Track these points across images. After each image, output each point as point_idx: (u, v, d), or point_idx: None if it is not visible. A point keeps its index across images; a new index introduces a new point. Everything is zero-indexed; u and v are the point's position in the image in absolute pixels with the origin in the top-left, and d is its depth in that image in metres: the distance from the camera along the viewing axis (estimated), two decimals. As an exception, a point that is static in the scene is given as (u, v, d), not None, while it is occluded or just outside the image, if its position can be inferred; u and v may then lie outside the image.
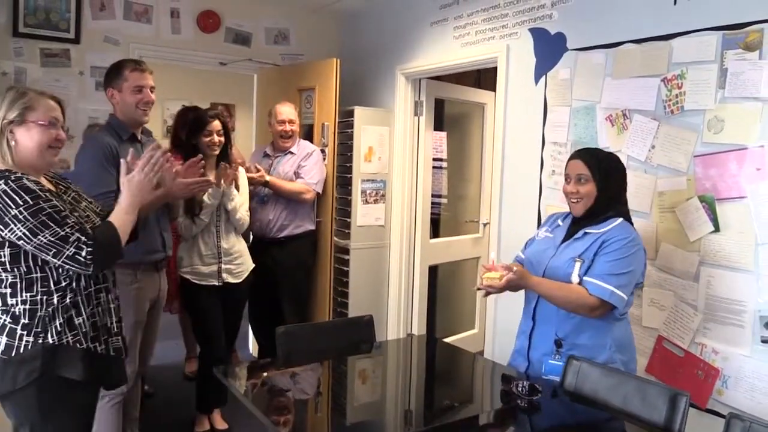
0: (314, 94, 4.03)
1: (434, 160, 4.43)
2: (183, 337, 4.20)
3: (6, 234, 1.73)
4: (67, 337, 1.83)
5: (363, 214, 4.11)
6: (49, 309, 1.81)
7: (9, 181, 1.74)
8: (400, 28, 4.11)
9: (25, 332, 1.79)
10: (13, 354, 1.77)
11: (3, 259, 1.76)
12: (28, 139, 1.82)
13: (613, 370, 2.03)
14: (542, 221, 3.13)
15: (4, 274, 1.79)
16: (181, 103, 7.03)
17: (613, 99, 2.79)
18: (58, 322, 1.81)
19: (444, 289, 4.74)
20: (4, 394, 1.81)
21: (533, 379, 2.14)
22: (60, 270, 1.82)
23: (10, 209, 1.71)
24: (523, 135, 3.27)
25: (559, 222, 2.31)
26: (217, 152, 3.14)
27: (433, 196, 4.40)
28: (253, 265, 3.33)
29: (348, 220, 4.09)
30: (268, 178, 3.54)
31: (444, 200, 4.72)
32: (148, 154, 2.01)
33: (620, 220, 2.13)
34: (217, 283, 3.13)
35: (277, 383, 2.29)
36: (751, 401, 2.29)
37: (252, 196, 3.56)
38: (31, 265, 1.79)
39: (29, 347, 1.78)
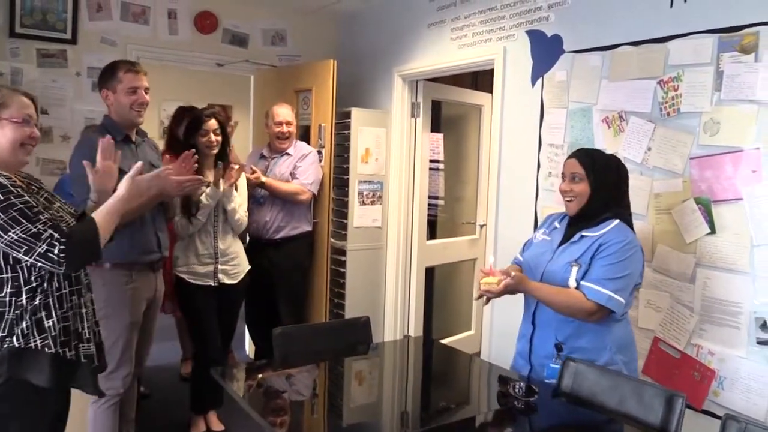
0: (311, 96, 4.03)
1: (431, 161, 4.43)
2: (179, 339, 4.19)
3: None
4: (35, 341, 1.75)
5: (360, 216, 4.11)
6: (17, 311, 1.74)
7: None
8: (397, 29, 4.11)
9: None
10: None
11: None
12: (0, 136, 1.78)
13: (610, 371, 2.03)
14: (539, 222, 3.14)
15: None
16: (178, 104, 7.04)
17: (609, 101, 2.80)
18: (25, 324, 1.74)
19: (441, 291, 4.75)
20: None
21: (530, 381, 2.14)
22: (32, 269, 1.75)
23: None
24: (519, 137, 3.27)
25: (556, 224, 2.30)
26: (215, 152, 3.14)
27: (429, 197, 4.41)
28: (249, 267, 3.33)
29: (345, 221, 4.09)
30: (264, 179, 3.54)
31: (441, 202, 4.72)
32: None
33: (617, 221, 2.12)
34: (212, 284, 3.13)
35: (273, 384, 2.29)
36: (746, 402, 2.30)
37: (248, 197, 3.56)
38: (2, 264, 1.73)
39: None
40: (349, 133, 4.03)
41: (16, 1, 3.53)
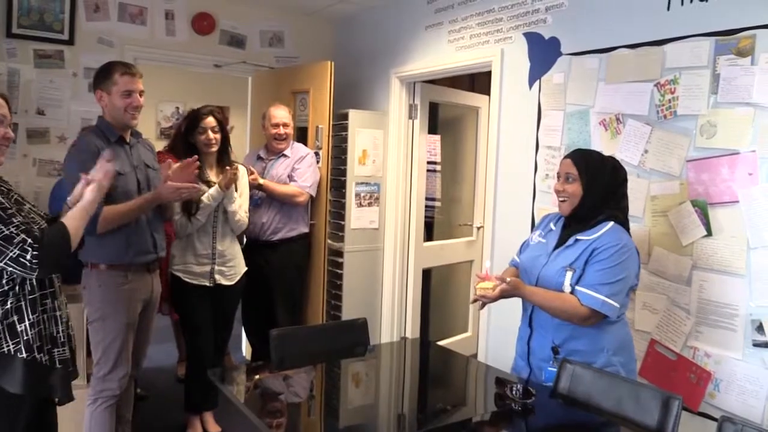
0: (308, 97, 4.03)
1: (428, 163, 4.44)
2: (175, 340, 4.18)
3: None
4: (8, 345, 1.72)
5: (357, 217, 4.11)
6: None
7: None
8: (394, 31, 4.12)
9: None
10: None
11: None
12: None
13: (606, 373, 2.03)
14: (535, 225, 3.15)
15: None
16: (174, 105, 7.05)
17: (606, 103, 2.81)
18: None
19: (437, 293, 4.75)
20: None
21: (527, 383, 2.14)
22: (2, 273, 1.72)
23: None
24: (517, 139, 3.28)
25: (552, 226, 2.30)
26: (214, 149, 3.14)
27: (426, 199, 4.41)
28: (246, 269, 3.33)
29: (342, 222, 4.09)
30: (261, 181, 3.54)
31: (438, 203, 4.73)
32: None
33: (611, 224, 2.11)
34: (208, 284, 3.13)
35: (270, 386, 2.28)
36: (742, 404, 2.30)
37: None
38: None
39: None
40: (346, 134, 4.03)
41: (13, 2, 3.52)
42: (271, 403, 2.14)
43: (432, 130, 4.48)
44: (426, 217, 4.42)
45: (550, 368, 2.17)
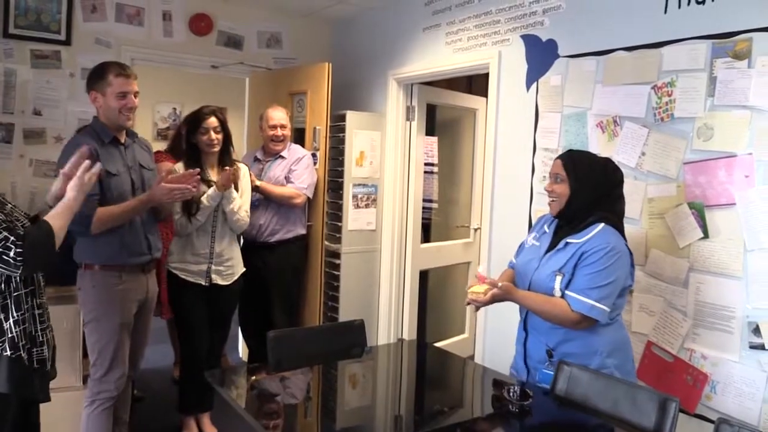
0: (306, 98, 4.03)
1: (425, 165, 4.44)
2: (171, 342, 4.17)
3: None
4: None
5: (354, 219, 4.11)
6: None
7: None
8: (392, 33, 4.12)
9: None
10: None
11: None
12: None
13: (604, 375, 2.03)
14: (532, 227, 3.15)
15: None
16: (171, 106, 7.03)
17: (603, 106, 2.81)
18: None
19: (435, 294, 4.75)
20: None
21: (525, 384, 2.14)
22: None
23: None
24: (514, 141, 3.28)
25: (546, 228, 2.30)
26: (216, 149, 3.13)
27: (424, 201, 4.41)
28: (244, 269, 3.32)
29: (339, 224, 4.09)
30: (258, 182, 3.53)
31: (435, 205, 4.73)
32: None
33: (601, 226, 2.10)
34: (204, 283, 3.12)
35: (267, 388, 2.28)
36: (739, 407, 2.31)
37: None
38: None
39: None
40: (343, 136, 4.02)
41: (10, 2, 3.51)
42: (267, 405, 2.14)
43: (429, 131, 4.49)
44: (423, 218, 4.42)
45: (544, 370, 2.17)
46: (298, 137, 4.08)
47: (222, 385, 2.25)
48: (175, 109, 6.76)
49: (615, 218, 2.14)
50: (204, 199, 3.02)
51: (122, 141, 2.65)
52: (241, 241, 3.84)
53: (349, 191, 4.06)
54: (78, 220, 2.34)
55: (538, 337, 2.21)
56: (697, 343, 2.45)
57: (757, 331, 2.27)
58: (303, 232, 3.79)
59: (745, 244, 2.31)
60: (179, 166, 3.11)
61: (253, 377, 2.41)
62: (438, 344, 3.85)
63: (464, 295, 2.28)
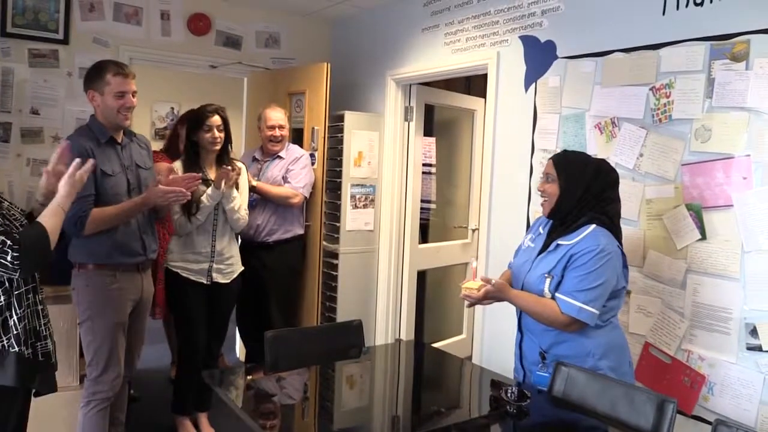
0: (304, 98, 4.02)
1: (423, 165, 4.44)
2: (168, 342, 4.16)
3: None
4: (1, 341, 1.79)
5: (352, 219, 4.10)
6: None
7: None
8: (391, 33, 4.12)
9: None
10: None
11: None
12: None
13: (601, 376, 2.03)
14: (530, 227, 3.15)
15: None
16: (169, 106, 7.03)
17: (602, 107, 2.82)
18: None
19: (432, 295, 4.75)
20: None
21: (522, 385, 2.14)
22: None
23: None
24: (512, 141, 3.28)
25: (540, 229, 2.30)
26: (218, 148, 3.14)
27: (422, 201, 4.41)
28: (243, 268, 3.32)
29: (337, 224, 4.09)
30: (254, 183, 3.53)
31: (433, 206, 4.73)
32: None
33: (592, 227, 2.09)
34: (205, 282, 3.11)
35: (264, 388, 2.28)
36: (736, 408, 2.31)
37: None
38: None
39: None
40: (342, 136, 4.02)
41: (7, 1, 3.50)
42: (265, 405, 2.14)
43: (428, 132, 4.49)
44: (421, 219, 4.43)
45: (538, 372, 2.18)
46: (297, 137, 4.08)
47: (219, 385, 2.25)
48: (173, 108, 6.76)
49: (608, 220, 2.13)
50: (204, 198, 3.02)
51: (119, 141, 2.64)
52: (239, 240, 3.84)
53: (347, 191, 4.06)
54: (72, 221, 2.34)
55: (532, 338, 2.22)
56: (695, 345, 2.45)
57: (754, 332, 2.28)
58: (301, 232, 3.79)
59: (742, 246, 2.31)
60: (177, 165, 3.10)
61: (250, 377, 2.41)
62: (436, 345, 3.85)
63: (465, 300, 2.27)
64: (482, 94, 3.68)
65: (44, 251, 1.82)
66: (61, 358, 2.77)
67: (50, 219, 1.86)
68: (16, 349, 1.81)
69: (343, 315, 4.06)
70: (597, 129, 2.84)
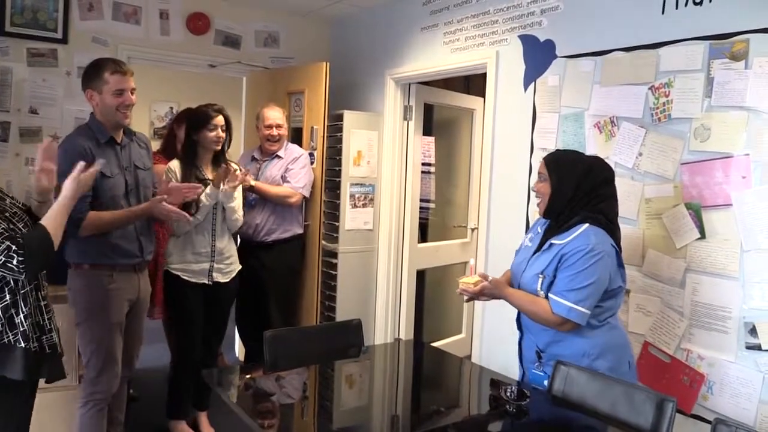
0: (303, 98, 4.02)
1: (423, 164, 4.44)
2: (167, 342, 4.15)
3: None
4: (8, 337, 1.87)
5: (351, 218, 4.10)
6: None
7: None
8: (390, 32, 4.12)
9: None
10: None
11: None
12: None
13: (601, 375, 2.03)
14: (529, 227, 3.15)
15: None
16: (168, 105, 7.02)
17: (601, 106, 2.82)
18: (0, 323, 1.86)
19: (432, 294, 4.75)
20: None
21: (522, 384, 2.15)
22: None
23: None
24: (511, 141, 3.28)
25: (539, 229, 2.29)
26: (219, 147, 3.14)
27: (421, 200, 4.41)
28: (240, 267, 3.32)
29: (336, 223, 4.09)
30: (253, 182, 3.52)
31: (432, 205, 4.73)
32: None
33: (585, 226, 2.08)
34: (207, 282, 3.11)
35: (263, 387, 2.28)
36: (735, 407, 2.31)
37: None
38: None
39: None
40: (341, 135, 4.02)
41: (6, 0, 3.50)
42: (264, 404, 2.14)
43: (427, 131, 4.49)
44: (420, 218, 4.43)
45: (533, 371, 2.18)
46: (296, 136, 4.08)
47: (219, 385, 2.25)
48: (172, 108, 6.75)
49: (603, 218, 2.11)
50: (203, 197, 3.02)
51: (119, 140, 2.61)
52: (238, 240, 3.84)
53: (346, 191, 4.06)
54: (68, 222, 2.33)
55: (530, 336, 2.23)
56: (694, 344, 2.45)
57: (753, 331, 2.28)
58: (300, 231, 3.79)
59: (741, 245, 2.31)
60: (175, 165, 3.09)
61: (248, 375, 2.41)
62: (435, 344, 3.85)
63: (461, 295, 2.28)
64: (481, 93, 3.68)
65: (48, 254, 1.89)
66: (61, 358, 2.79)
67: (53, 221, 1.92)
68: (23, 345, 1.88)
69: (342, 314, 4.05)
70: (596, 128, 2.84)
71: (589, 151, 2.80)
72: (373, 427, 2.08)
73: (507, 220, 3.30)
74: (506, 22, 3.30)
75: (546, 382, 2.10)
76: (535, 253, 2.20)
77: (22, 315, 1.90)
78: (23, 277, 1.84)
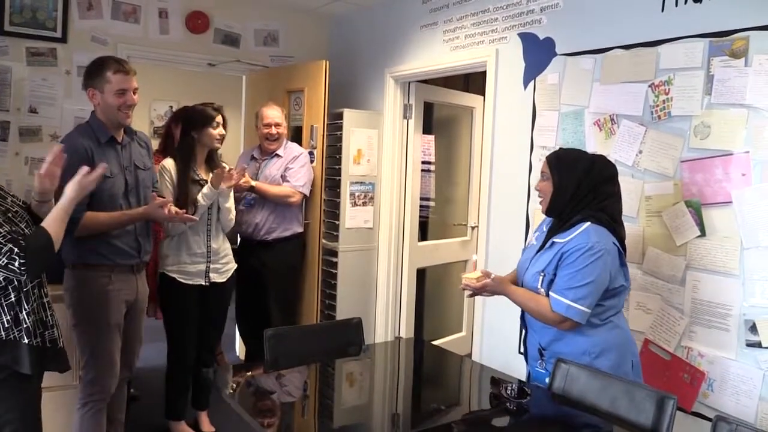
0: (303, 96, 4.02)
1: (423, 163, 4.44)
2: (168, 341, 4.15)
3: None
4: (13, 333, 1.93)
5: (351, 217, 4.10)
6: None
7: None
8: (389, 31, 4.11)
9: None
10: None
11: None
12: None
13: (601, 373, 2.03)
14: (531, 224, 3.16)
15: None
16: (168, 104, 7.02)
17: (601, 104, 2.82)
18: (5, 319, 1.92)
19: (432, 292, 4.75)
20: None
21: (522, 382, 2.15)
22: None
23: None
24: (511, 139, 3.28)
25: (544, 227, 2.30)
26: (220, 145, 3.15)
27: (421, 199, 4.41)
28: (236, 265, 3.31)
29: (336, 222, 4.09)
30: (253, 183, 3.52)
31: (432, 203, 4.73)
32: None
33: (586, 225, 2.07)
34: (204, 283, 3.11)
35: (264, 386, 2.28)
36: (736, 404, 2.31)
37: (239, 199, 3.55)
38: None
39: None
40: (341, 134, 4.02)
41: (5, -1, 3.50)
42: (264, 403, 2.14)
43: (426, 129, 4.48)
44: (420, 216, 4.42)
45: (537, 368, 2.19)
46: (296, 135, 4.08)
47: (219, 383, 2.25)
48: (171, 107, 6.74)
49: (605, 216, 2.10)
50: (199, 197, 3.01)
51: (119, 140, 2.59)
52: (238, 239, 3.84)
53: (346, 189, 4.06)
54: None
55: (533, 334, 2.24)
56: (694, 341, 2.45)
57: (753, 328, 2.28)
58: (300, 230, 3.78)
59: (741, 242, 2.32)
60: (169, 164, 3.06)
61: (249, 373, 2.41)
62: (435, 342, 3.86)
63: (461, 294, 2.29)
64: (481, 91, 3.68)
65: (49, 256, 1.93)
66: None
67: (54, 223, 1.96)
68: (27, 341, 1.94)
69: (342, 313, 4.06)
70: (596, 126, 2.83)
71: (589, 149, 2.79)
72: (373, 425, 2.08)
73: (507, 217, 3.30)
74: (506, 20, 3.30)
75: (548, 380, 2.11)
76: (538, 251, 2.20)
77: (25, 312, 1.95)
78: (24, 278, 1.88)
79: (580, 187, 2.11)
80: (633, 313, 2.65)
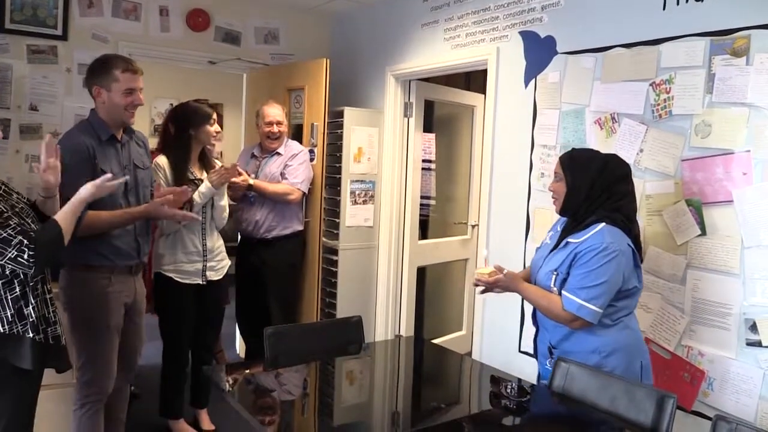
0: (304, 94, 4.02)
1: (423, 161, 4.43)
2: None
3: None
4: (17, 327, 1.93)
5: (352, 215, 4.10)
6: (2, 301, 1.92)
7: None
8: (390, 29, 4.11)
9: None
10: None
11: None
12: None
13: (601, 372, 2.03)
14: (530, 223, 3.16)
15: None
16: (169, 102, 7.01)
17: (602, 102, 2.81)
18: (9, 313, 1.92)
19: (432, 291, 4.75)
20: None
21: (522, 381, 2.15)
22: (5, 267, 1.90)
23: None
24: (512, 137, 3.28)
25: (558, 227, 2.29)
26: (216, 143, 3.17)
27: (421, 197, 4.41)
28: (230, 262, 3.32)
29: (337, 220, 4.09)
30: (251, 181, 3.51)
31: (432, 202, 4.73)
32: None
33: (601, 225, 2.07)
34: (200, 282, 3.10)
35: (264, 384, 2.28)
36: (736, 403, 2.31)
37: (239, 198, 3.55)
38: None
39: None
40: (341, 132, 4.02)
41: (6, -3, 3.50)
42: (264, 401, 2.14)
43: (427, 128, 4.48)
44: (421, 215, 4.42)
45: (546, 366, 2.19)
46: (296, 133, 4.08)
47: (219, 381, 2.25)
48: (171, 104, 6.73)
49: (620, 216, 2.10)
50: (196, 196, 3.00)
51: (119, 138, 2.56)
52: (239, 237, 3.84)
53: (346, 187, 4.05)
54: None
55: (544, 332, 2.24)
56: (695, 340, 2.45)
57: (753, 328, 2.28)
58: (300, 228, 3.78)
59: (742, 241, 2.31)
60: (164, 161, 3.04)
61: (248, 370, 2.41)
62: (435, 341, 3.86)
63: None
64: (482, 90, 3.68)
65: (58, 250, 1.95)
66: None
67: (66, 218, 1.97)
68: (31, 335, 1.94)
69: (342, 311, 4.06)
70: (597, 124, 2.83)
71: (590, 147, 2.78)
72: (373, 423, 2.08)
73: (507, 216, 3.30)
74: (507, 18, 3.29)
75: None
76: (552, 250, 2.20)
77: (30, 307, 1.95)
78: (32, 271, 1.88)
79: (594, 187, 2.11)
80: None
